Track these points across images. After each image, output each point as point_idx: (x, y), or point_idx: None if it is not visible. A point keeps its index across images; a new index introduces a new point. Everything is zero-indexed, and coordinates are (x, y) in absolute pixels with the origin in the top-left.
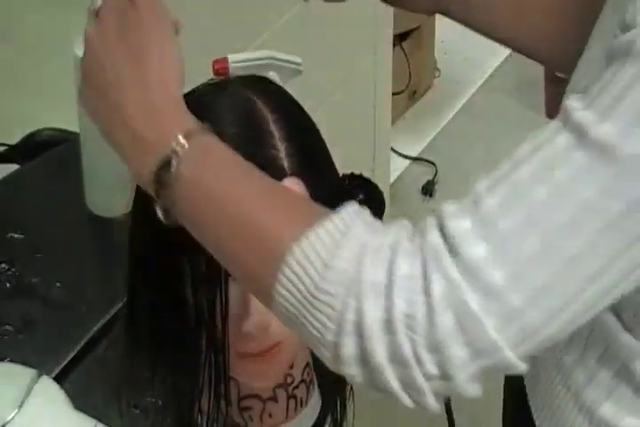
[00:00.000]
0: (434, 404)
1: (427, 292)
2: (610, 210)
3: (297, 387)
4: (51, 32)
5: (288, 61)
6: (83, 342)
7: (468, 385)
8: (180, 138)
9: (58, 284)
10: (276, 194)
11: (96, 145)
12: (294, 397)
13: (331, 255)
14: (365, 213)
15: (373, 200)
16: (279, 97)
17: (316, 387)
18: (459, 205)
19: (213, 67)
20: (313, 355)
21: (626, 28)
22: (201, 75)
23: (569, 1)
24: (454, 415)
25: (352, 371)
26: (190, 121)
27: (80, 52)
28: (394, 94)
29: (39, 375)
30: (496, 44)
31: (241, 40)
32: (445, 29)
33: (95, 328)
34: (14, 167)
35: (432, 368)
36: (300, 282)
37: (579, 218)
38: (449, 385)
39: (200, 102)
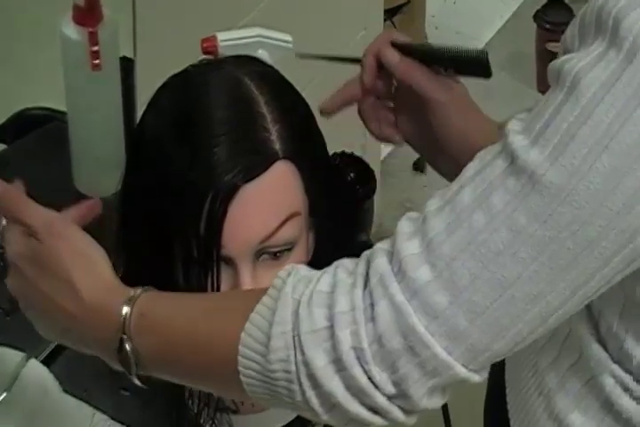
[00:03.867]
0: (407, 418)
1: (373, 319)
2: (541, 236)
3: None
4: (38, 11)
5: (277, 39)
6: None
7: (426, 400)
8: (121, 326)
9: None
10: (215, 307)
11: (84, 124)
12: None
13: (269, 324)
14: (300, 267)
15: (364, 179)
16: (271, 78)
17: None
18: (413, 222)
19: (202, 45)
20: None
21: (565, 50)
22: (190, 54)
23: None
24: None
25: (329, 419)
26: (121, 298)
27: (68, 32)
28: None
29: (27, 358)
30: (487, 18)
31: (229, 18)
32: (436, 4)
33: None
34: (1, 147)
35: (390, 389)
36: (255, 362)
37: (513, 244)
38: (408, 402)
39: (190, 84)
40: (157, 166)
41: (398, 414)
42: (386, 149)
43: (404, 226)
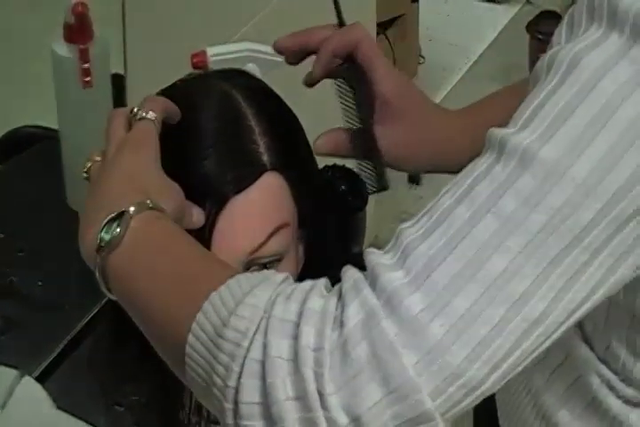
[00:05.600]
0: None
1: (341, 322)
2: (530, 222)
3: None
4: (30, 30)
5: (267, 53)
6: (65, 342)
7: None
8: (131, 207)
9: (39, 282)
10: (209, 256)
11: (76, 142)
12: None
13: (245, 294)
14: (290, 278)
15: (356, 191)
16: (259, 91)
17: None
18: (389, 246)
19: (192, 60)
20: None
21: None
22: (180, 70)
23: None
24: None
25: (251, 425)
26: (142, 198)
27: (58, 49)
28: None
29: (21, 376)
30: (481, 30)
31: (220, 34)
32: (429, 16)
33: (77, 327)
34: None
35: (338, 414)
36: (210, 323)
37: (499, 234)
38: None
39: (179, 97)
40: None
41: None
42: None
43: (370, 253)
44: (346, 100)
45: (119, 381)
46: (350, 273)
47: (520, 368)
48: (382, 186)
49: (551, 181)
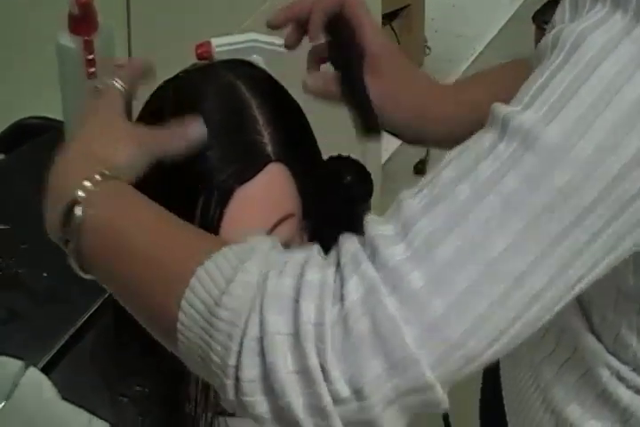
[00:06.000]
0: None
1: (341, 296)
2: (532, 202)
3: None
4: (34, 21)
5: (271, 43)
6: (70, 333)
7: (383, 411)
8: (85, 184)
9: (44, 274)
10: (184, 229)
11: None
12: None
13: (235, 270)
14: (278, 245)
15: (360, 181)
16: (263, 81)
17: None
18: (379, 217)
19: (196, 51)
20: None
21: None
22: (185, 61)
23: None
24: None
25: (254, 401)
26: (97, 169)
27: (63, 40)
28: None
29: (26, 367)
30: (487, 20)
31: (224, 25)
32: (436, 7)
33: (82, 318)
34: (0, 156)
35: (341, 387)
36: (200, 300)
37: (500, 213)
38: (361, 407)
39: (183, 88)
40: (150, 170)
41: (336, 422)
42: (386, 153)
43: (370, 221)
44: (335, 56)
45: (123, 372)
46: (348, 244)
47: (520, 341)
48: (375, 129)
49: (554, 161)
